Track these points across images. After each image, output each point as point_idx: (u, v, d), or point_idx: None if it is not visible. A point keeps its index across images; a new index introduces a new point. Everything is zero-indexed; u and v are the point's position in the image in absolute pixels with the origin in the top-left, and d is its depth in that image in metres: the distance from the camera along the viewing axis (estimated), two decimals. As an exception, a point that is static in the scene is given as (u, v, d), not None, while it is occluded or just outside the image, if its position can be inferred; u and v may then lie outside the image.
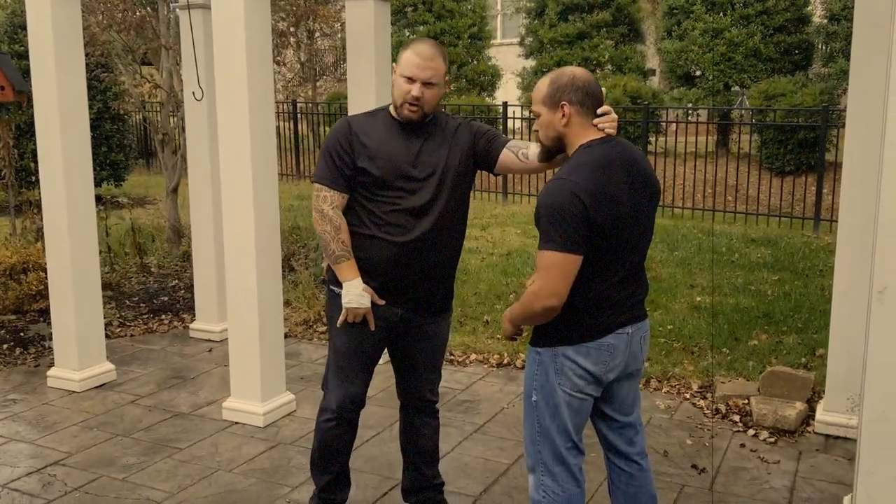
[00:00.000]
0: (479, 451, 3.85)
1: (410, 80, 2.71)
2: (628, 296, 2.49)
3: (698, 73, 14.81)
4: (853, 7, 3.67)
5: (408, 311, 2.89)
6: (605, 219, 2.31)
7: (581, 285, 2.36)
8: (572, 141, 2.44)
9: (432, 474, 3.21)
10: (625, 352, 2.50)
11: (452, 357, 5.18)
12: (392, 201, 2.76)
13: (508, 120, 11.90)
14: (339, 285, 2.86)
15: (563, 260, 2.29)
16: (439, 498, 3.22)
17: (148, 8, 7.21)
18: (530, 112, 2.58)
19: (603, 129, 2.42)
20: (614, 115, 2.47)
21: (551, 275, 2.31)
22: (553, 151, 2.58)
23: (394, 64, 2.82)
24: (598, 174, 2.32)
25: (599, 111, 2.44)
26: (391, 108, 2.86)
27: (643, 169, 2.49)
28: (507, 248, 8.15)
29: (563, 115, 2.41)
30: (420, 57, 2.71)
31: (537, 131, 2.52)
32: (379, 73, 4.89)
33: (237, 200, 4.07)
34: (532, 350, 2.54)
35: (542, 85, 2.46)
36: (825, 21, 14.52)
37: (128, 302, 6.32)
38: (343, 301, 2.80)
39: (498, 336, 5.50)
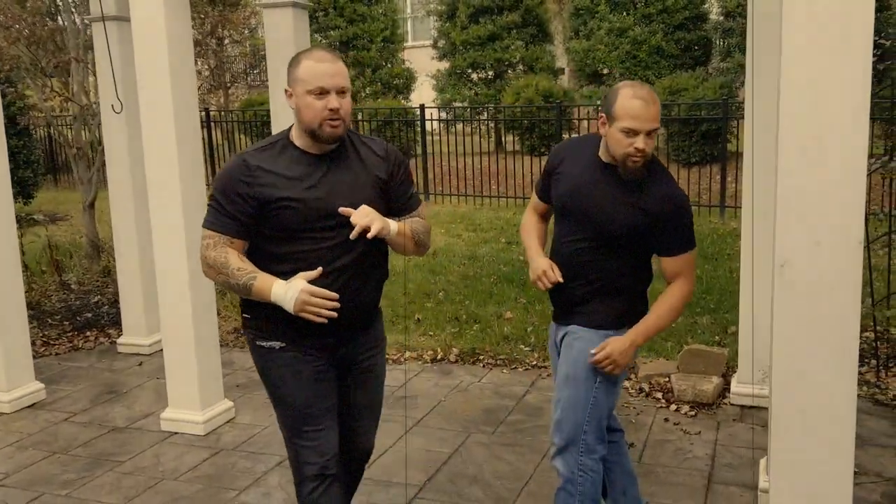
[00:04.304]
0: (421, 443, 3.98)
1: (323, 92, 2.35)
2: None
3: (606, 70, 15.33)
4: (746, 4, 3.95)
5: (346, 346, 2.57)
6: None
7: (649, 269, 2.75)
8: None
9: None
10: None
11: (387, 356, 5.28)
12: (316, 245, 2.41)
13: (426, 122, 12.05)
14: (270, 337, 2.49)
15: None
16: None
17: (58, 19, 7.04)
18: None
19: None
20: None
21: (693, 271, 2.65)
22: None
23: (287, 88, 2.43)
24: None
25: None
26: (293, 137, 2.47)
27: None
28: (433, 248, 8.30)
29: None
30: (325, 63, 2.36)
31: (643, 150, 2.49)
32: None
33: (166, 211, 4.07)
34: (600, 333, 2.64)
35: (657, 102, 2.52)
36: (721, 18, 15.25)
37: (50, 321, 6.17)
38: (295, 309, 2.31)
39: (431, 333, 5.63)
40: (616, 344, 2.58)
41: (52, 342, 5.81)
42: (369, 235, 2.35)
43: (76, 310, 6.33)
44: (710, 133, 11.48)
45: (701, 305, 5.91)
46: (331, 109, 2.35)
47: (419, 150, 12.25)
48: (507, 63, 16.17)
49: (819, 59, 2.29)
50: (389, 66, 17.31)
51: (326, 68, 2.35)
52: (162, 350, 4.26)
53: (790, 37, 2.32)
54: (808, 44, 2.30)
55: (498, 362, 5.09)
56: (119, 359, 5.48)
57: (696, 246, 2.66)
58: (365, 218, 2.35)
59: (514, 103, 13.57)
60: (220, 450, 3.98)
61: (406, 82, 17.41)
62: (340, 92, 2.38)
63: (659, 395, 4.45)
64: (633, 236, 2.58)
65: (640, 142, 2.47)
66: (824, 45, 2.28)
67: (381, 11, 16.98)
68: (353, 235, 2.35)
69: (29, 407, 4.61)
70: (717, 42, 15.33)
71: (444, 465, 3.75)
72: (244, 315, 2.57)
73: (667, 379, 4.56)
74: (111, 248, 6.56)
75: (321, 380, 2.53)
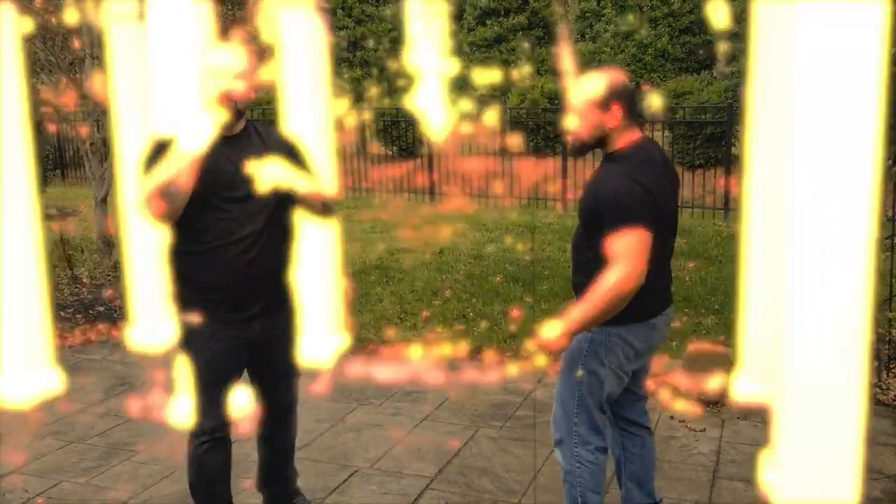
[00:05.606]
0: (431, 436, 4.06)
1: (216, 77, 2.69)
2: (668, 282, 2.80)
3: (611, 73, 15.41)
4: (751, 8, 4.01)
5: (263, 321, 2.88)
6: (658, 209, 2.56)
7: None
8: (616, 140, 2.63)
9: (285, 468, 3.26)
10: (661, 331, 2.79)
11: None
12: (222, 215, 2.72)
13: (432, 122, 12.11)
14: (187, 308, 2.83)
15: (643, 236, 2.46)
16: (291, 491, 3.29)
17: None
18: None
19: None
20: None
21: (635, 254, 2.45)
22: (586, 149, 2.73)
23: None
24: (650, 169, 2.58)
25: None
26: None
27: (671, 165, 2.80)
28: (440, 247, 8.37)
29: (614, 116, 2.59)
30: (222, 52, 2.75)
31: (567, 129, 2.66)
32: (317, 83, 5.03)
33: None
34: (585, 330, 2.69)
35: (593, 86, 2.60)
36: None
37: (62, 313, 6.25)
38: (191, 140, 2.57)
39: (438, 329, 5.70)
40: (547, 331, 2.57)
41: (65, 334, 5.89)
42: (290, 187, 2.67)
43: (88, 303, 6.42)
44: (714, 136, 11.54)
45: (706, 306, 5.98)
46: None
47: (425, 151, 12.32)
48: (513, 64, 16.25)
49: (827, 63, 2.37)
50: (396, 66, 17.41)
51: (223, 57, 2.73)
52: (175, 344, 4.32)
53: (800, 42, 2.39)
54: (816, 48, 2.37)
55: (505, 359, 5.17)
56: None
57: (629, 233, 2.46)
58: (274, 173, 2.65)
59: (520, 105, 13.64)
60: (234, 440, 4.04)
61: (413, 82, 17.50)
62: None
63: (664, 392, 4.52)
64: (592, 220, 2.62)
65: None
66: (832, 50, 2.36)
67: (388, 12, 17.06)
68: (263, 190, 2.63)
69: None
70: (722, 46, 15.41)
71: (455, 457, 3.82)
72: (174, 287, 2.88)
73: (672, 377, 4.63)
74: (128, 241, 6.62)
75: (230, 357, 2.88)
